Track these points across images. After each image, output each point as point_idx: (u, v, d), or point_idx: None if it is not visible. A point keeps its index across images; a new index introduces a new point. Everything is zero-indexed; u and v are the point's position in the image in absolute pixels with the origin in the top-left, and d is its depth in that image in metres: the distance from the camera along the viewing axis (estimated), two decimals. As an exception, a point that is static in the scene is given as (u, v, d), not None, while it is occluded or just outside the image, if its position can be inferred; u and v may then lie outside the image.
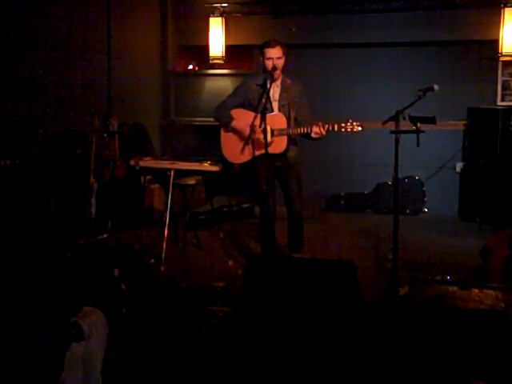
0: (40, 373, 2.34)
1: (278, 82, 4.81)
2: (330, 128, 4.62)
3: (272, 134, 4.65)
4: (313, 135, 4.65)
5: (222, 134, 4.94)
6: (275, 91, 4.80)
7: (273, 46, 4.70)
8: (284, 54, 4.73)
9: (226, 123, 4.86)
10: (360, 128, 4.61)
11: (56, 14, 6.23)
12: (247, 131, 4.73)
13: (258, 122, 4.63)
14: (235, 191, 7.36)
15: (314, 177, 7.06)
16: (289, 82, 4.85)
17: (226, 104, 4.92)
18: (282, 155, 4.80)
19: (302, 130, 4.68)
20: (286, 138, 4.73)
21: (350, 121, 4.60)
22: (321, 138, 4.69)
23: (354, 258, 4.51)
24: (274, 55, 4.69)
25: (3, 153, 5.47)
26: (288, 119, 4.75)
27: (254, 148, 4.78)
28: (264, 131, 4.48)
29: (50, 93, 6.14)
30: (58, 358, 2.47)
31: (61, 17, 6.31)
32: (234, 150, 4.86)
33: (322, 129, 4.61)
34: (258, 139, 4.70)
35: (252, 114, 4.72)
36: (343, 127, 4.60)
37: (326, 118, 4.70)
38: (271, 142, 4.64)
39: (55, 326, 2.49)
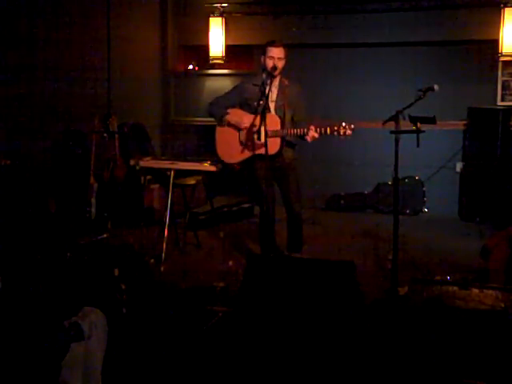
0: (39, 372, 2.34)
1: (276, 83, 4.82)
2: (323, 131, 4.64)
3: (266, 135, 4.65)
4: (307, 138, 4.67)
5: (217, 133, 4.96)
6: (273, 92, 4.80)
7: (276, 46, 4.73)
8: (285, 56, 4.75)
9: (220, 117, 4.88)
10: (350, 132, 4.62)
11: (56, 13, 6.24)
12: (242, 124, 4.74)
13: (254, 123, 4.66)
14: (235, 191, 7.36)
15: (313, 177, 7.07)
16: (286, 82, 4.87)
17: (221, 101, 4.95)
18: (279, 156, 4.81)
19: (295, 131, 4.70)
20: (279, 139, 4.75)
21: (344, 124, 4.61)
22: (311, 141, 4.70)
23: (354, 258, 4.51)
24: (276, 55, 4.71)
25: (3, 153, 5.47)
26: (283, 120, 4.76)
27: (247, 149, 4.81)
28: (259, 132, 4.50)
29: (50, 93, 6.14)
30: (58, 358, 2.47)
31: (61, 16, 6.31)
32: (228, 150, 4.88)
33: (314, 132, 4.63)
34: (252, 140, 4.72)
35: (247, 115, 4.75)
36: (336, 130, 4.62)
37: (326, 119, 4.71)
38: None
39: (55, 326, 2.49)
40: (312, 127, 4.64)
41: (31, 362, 2.28)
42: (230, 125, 4.87)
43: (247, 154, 4.83)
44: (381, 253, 5.45)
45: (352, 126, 4.62)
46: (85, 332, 2.74)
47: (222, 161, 5.02)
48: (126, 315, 3.81)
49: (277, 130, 4.71)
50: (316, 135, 4.65)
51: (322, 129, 4.64)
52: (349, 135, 4.63)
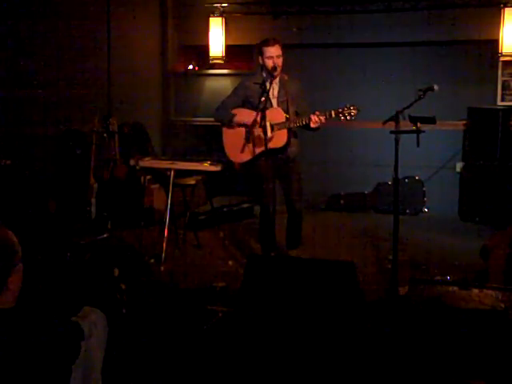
0: (48, 376, 2.34)
1: (276, 79, 4.82)
2: (328, 115, 4.63)
3: (272, 129, 4.66)
4: (312, 125, 4.65)
5: (224, 133, 4.94)
6: (274, 88, 4.80)
7: (272, 45, 4.72)
8: (282, 52, 4.75)
9: (228, 121, 4.87)
10: (356, 111, 4.62)
11: (56, 13, 6.23)
12: (249, 123, 4.75)
13: (257, 120, 4.64)
14: (235, 191, 7.37)
15: (314, 177, 7.06)
16: (286, 78, 4.87)
17: (226, 104, 4.92)
18: (284, 150, 4.80)
19: (300, 120, 4.69)
20: (286, 131, 4.74)
21: (347, 105, 4.62)
22: (318, 128, 4.69)
23: (354, 257, 4.51)
24: (274, 53, 4.71)
25: (3, 153, 5.47)
26: (287, 113, 4.76)
27: (255, 146, 4.79)
28: (264, 128, 4.49)
29: (50, 93, 6.14)
30: (69, 361, 2.47)
31: (61, 17, 6.31)
32: (237, 149, 4.87)
33: (319, 117, 4.62)
34: (259, 136, 4.71)
35: (252, 113, 4.74)
36: (341, 113, 4.62)
37: (326, 111, 4.70)
38: (272, 138, 4.65)
39: (56, 327, 2.49)
40: (317, 112, 4.63)
41: (43, 363, 2.27)
42: (240, 125, 4.86)
43: (256, 150, 4.81)
44: (381, 253, 5.45)
45: (356, 106, 4.63)
46: (85, 332, 2.74)
47: (231, 160, 5.00)
48: (125, 315, 3.81)
49: (282, 122, 4.71)
50: (322, 119, 4.62)
51: (327, 113, 4.64)
52: (354, 115, 4.63)
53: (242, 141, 4.83)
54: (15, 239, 2.32)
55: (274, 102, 4.82)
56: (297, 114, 4.82)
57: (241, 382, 3.26)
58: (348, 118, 4.65)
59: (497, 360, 3.11)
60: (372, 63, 7.51)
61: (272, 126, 4.65)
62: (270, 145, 4.59)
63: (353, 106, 4.64)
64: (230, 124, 4.86)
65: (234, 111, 4.86)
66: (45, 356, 2.26)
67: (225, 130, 4.93)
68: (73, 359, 2.43)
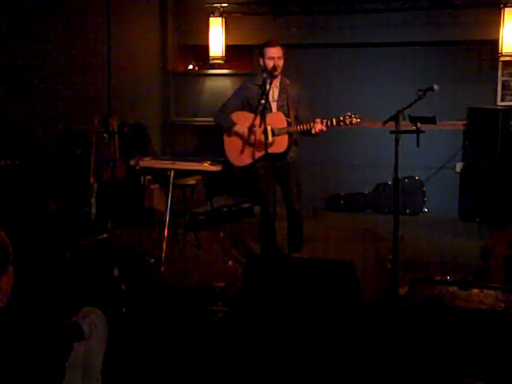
0: (44, 374, 2.33)
1: (277, 83, 4.81)
2: (329, 123, 4.63)
3: (273, 134, 4.65)
4: (313, 131, 4.65)
5: (225, 137, 4.93)
6: (274, 91, 4.79)
7: (274, 46, 4.71)
8: (284, 54, 4.74)
9: (227, 128, 4.86)
10: (358, 120, 4.62)
11: (56, 13, 6.23)
12: (247, 134, 4.75)
13: (257, 123, 4.64)
14: (235, 191, 7.37)
15: (313, 177, 7.07)
16: (288, 82, 4.86)
17: (227, 107, 4.92)
18: (284, 156, 4.80)
19: (302, 127, 4.69)
20: (286, 137, 4.73)
21: (349, 114, 4.62)
22: (319, 134, 4.70)
23: (354, 257, 4.50)
24: (276, 55, 4.70)
25: (3, 153, 5.47)
26: (287, 118, 4.75)
27: (255, 149, 4.79)
28: (264, 131, 4.49)
29: (50, 93, 6.14)
30: (62, 359, 2.47)
31: (61, 17, 6.31)
32: (237, 152, 4.86)
33: (321, 125, 4.62)
34: (260, 140, 4.70)
35: (251, 116, 4.74)
36: (342, 121, 4.62)
37: (327, 118, 4.71)
38: (272, 142, 4.64)
39: (57, 327, 2.49)
40: (318, 120, 4.63)
41: (35, 363, 2.27)
42: (237, 134, 4.86)
43: (257, 154, 4.80)
44: (381, 253, 5.45)
45: (357, 115, 4.63)
46: (85, 332, 2.74)
47: (226, 161, 5.01)
48: (125, 315, 3.81)
49: (283, 128, 4.70)
50: (323, 128, 4.63)
51: (329, 121, 4.64)
52: (356, 123, 4.63)
53: (243, 144, 4.84)
54: (7, 238, 2.32)
55: (274, 105, 4.81)
56: (296, 119, 4.82)
57: (241, 381, 3.26)
58: (349, 125, 4.64)
59: (496, 360, 3.11)
60: (372, 63, 7.51)
61: (273, 131, 4.65)
62: (271, 149, 4.59)
63: (355, 115, 4.63)
64: (230, 132, 4.86)
65: (234, 115, 4.85)
66: (35, 354, 2.26)
67: (226, 134, 4.93)
68: (65, 358, 2.43)
